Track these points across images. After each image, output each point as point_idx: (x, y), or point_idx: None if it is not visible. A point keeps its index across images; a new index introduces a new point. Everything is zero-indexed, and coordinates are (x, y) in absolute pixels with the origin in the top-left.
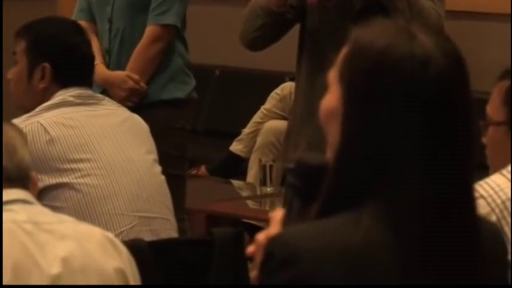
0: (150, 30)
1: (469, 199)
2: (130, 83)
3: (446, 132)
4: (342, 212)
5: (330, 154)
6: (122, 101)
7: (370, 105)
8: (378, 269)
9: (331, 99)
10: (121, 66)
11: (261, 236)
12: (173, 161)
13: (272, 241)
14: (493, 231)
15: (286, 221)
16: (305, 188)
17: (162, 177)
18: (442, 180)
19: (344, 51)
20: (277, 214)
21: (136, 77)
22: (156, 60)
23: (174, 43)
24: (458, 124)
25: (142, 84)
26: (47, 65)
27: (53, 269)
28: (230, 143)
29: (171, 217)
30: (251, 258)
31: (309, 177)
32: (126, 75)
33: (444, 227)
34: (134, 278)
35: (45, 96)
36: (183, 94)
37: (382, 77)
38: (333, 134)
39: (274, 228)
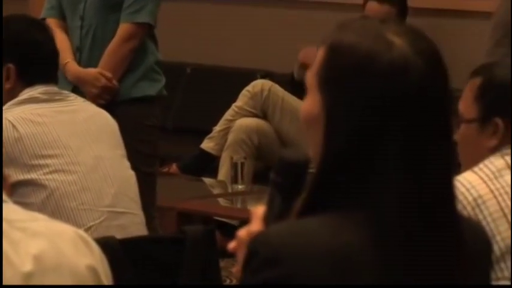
0: (123, 28)
1: (451, 200)
2: (103, 81)
3: (428, 133)
4: (325, 211)
5: (312, 154)
6: (94, 99)
7: (352, 112)
8: (361, 269)
9: (311, 104)
10: (92, 64)
11: (243, 233)
12: (145, 159)
13: (256, 239)
14: (477, 229)
15: (268, 217)
16: (285, 184)
17: (131, 172)
18: (425, 182)
19: (321, 53)
20: (259, 210)
21: (109, 74)
22: (129, 58)
23: (146, 41)
24: (440, 122)
25: (114, 82)
26: (11, 65)
27: (25, 266)
28: (201, 141)
29: (139, 212)
30: (229, 254)
31: (288, 173)
32: (99, 73)
33: (426, 228)
34: (106, 275)
35: (12, 95)
36: (154, 91)
37: (364, 84)
38: (313, 136)
39: (255, 224)
